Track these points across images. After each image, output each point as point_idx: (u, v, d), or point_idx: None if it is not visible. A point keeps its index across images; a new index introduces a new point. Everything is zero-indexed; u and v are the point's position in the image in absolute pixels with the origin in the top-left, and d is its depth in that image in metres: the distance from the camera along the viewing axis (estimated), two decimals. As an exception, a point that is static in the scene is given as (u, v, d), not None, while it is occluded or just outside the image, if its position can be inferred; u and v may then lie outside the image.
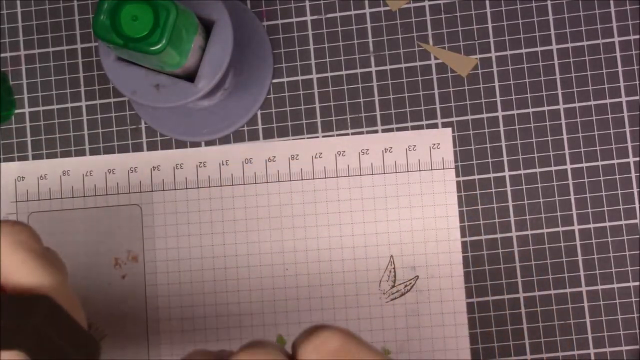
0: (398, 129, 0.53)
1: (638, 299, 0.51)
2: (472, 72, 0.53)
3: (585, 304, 0.51)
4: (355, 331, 0.52)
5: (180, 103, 0.47)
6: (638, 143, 0.52)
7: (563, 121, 0.52)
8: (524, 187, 0.52)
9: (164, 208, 0.53)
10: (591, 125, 0.52)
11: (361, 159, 0.52)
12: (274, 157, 0.53)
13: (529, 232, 0.52)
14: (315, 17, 0.53)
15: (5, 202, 0.53)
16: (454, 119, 0.52)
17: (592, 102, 0.52)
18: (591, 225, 0.51)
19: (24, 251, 0.32)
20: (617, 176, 0.52)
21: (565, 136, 0.52)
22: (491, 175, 0.52)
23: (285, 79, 0.53)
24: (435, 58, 0.53)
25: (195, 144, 0.53)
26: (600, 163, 0.52)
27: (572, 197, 0.52)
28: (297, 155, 0.53)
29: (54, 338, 0.30)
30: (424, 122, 0.52)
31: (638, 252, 0.51)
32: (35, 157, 0.54)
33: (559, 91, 0.52)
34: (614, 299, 0.51)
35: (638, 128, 0.52)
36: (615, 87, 0.52)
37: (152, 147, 0.54)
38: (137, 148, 0.54)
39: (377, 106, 0.53)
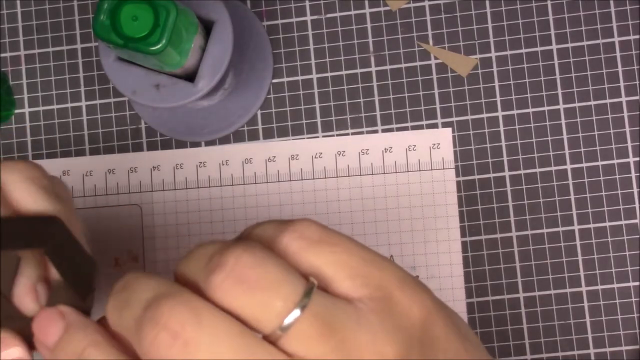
0: (398, 129, 0.53)
1: (638, 299, 0.51)
2: (472, 72, 0.53)
3: (585, 304, 0.51)
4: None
5: (180, 103, 0.47)
6: (638, 143, 0.52)
7: (563, 121, 0.52)
8: (524, 187, 0.52)
9: (164, 208, 0.53)
10: (591, 125, 0.52)
11: (361, 159, 0.52)
12: (274, 157, 0.53)
13: (529, 232, 0.52)
14: (315, 17, 0.53)
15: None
16: (454, 119, 0.52)
17: (592, 102, 0.52)
18: (591, 225, 0.51)
19: (35, 186, 0.34)
20: (617, 176, 0.52)
21: (565, 136, 0.52)
22: (491, 175, 0.52)
23: (285, 79, 0.53)
24: (435, 58, 0.53)
25: (195, 144, 0.53)
26: (600, 163, 0.52)
27: (572, 197, 0.52)
28: (297, 155, 0.53)
29: (66, 254, 0.33)
30: (424, 122, 0.52)
31: (638, 252, 0.51)
32: (35, 157, 0.54)
33: (559, 91, 0.52)
34: (614, 299, 0.51)
35: (638, 128, 0.52)
36: (615, 87, 0.52)
37: (152, 147, 0.54)
38: (137, 148, 0.54)
39: (377, 106, 0.53)
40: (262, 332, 0.27)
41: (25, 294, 0.33)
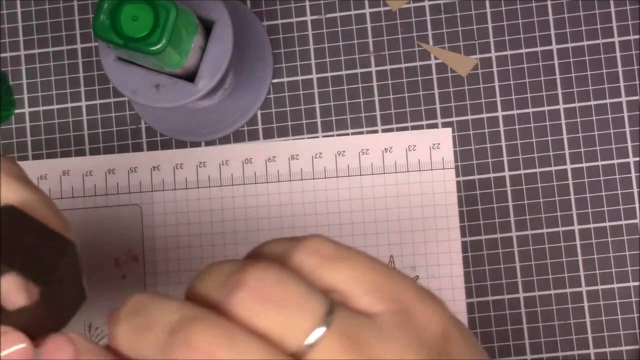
0: (398, 129, 0.53)
1: (638, 299, 0.51)
2: (472, 72, 0.53)
3: (585, 304, 0.51)
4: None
5: (180, 103, 0.47)
6: (638, 143, 0.52)
7: (563, 121, 0.52)
8: (524, 187, 0.52)
9: (164, 208, 0.53)
10: (591, 125, 0.52)
11: (361, 159, 0.52)
12: (274, 157, 0.53)
13: (529, 232, 0.52)
14: (315, 17, 0.53)
15: (5, 202, 0.53)
16: (454, 119, 0.52)
17: (592, 102, 0.52)
18: (591, 225, 0.51)
19: (5, 175, 0.34)
20: (617, 176, 0.52)
21: (565, 136, 0.52)
22: (491, 175, 0.52)
23: (285, 79, 0.53)
24: (435, 58, 0.53)
25: (195, 144, 0.53)
26: (600, 163, 0.52)
27: (572, 197, 0.52)
28: (297, 155, 0.53)
29: (20, 242, 0.31)
30: (424, 122, 0.52)
31: (638, 252, 0.51)
32: (35, 157, 0.54)
33: (559, 91, 0.52)
34: (614, 299, 0.51)
35: (638, 128, 0.52)
36: (615, 87, 0.52)
37: (152, 147, 0.54)
38: (137, 148, 0.54)
39: (377, 106, 0.53)
40: (287, 349, 0.27)
41: (18, 290, 0.32)
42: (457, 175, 0.52)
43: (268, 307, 0.27)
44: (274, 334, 0.27)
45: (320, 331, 0.27)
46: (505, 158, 0.52)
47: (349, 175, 0.52)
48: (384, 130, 0.53)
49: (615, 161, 0.52)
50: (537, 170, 0.52)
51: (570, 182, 0.52)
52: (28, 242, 0.32)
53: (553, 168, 0.52)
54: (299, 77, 0.53)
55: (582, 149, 0.52)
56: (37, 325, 0.32)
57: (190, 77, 0.47)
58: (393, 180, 0.52)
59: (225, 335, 0.26)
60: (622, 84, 0.52)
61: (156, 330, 0.27)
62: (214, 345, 0.26)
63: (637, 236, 0.51)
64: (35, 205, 0.34)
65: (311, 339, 0.27)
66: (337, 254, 0.29)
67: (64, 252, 0.33)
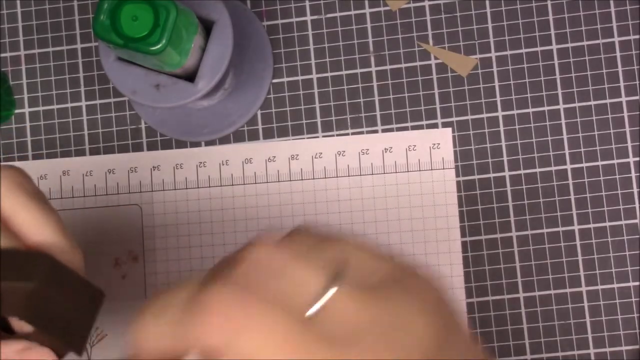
0: (398, 129, 0.53)
1: (638, 299, 0.51)
2: (472, 72, 0.53)
3: (585, 304, 0.51)
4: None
5: (180, 103, 0.47)
6: (638, 143, 0.52)
7: (563, 121, 0.52)
8: (524, 187, 0.52)
9: (164, 208, 0.53)
10: (591, 125, 0.52)
11: (361, 159, 0.52)
12: (274, 157, 0.53)
13: (529, 232, 0.52)
14: (315, 17, 0.53)
15: (5, 202, 0.53)
16: (454, 119, 0.52)
17: (592, 102, 0.52)
18: (591, 225, 0.51)
19: (23, 194, 0.33)
20: (617, 176, 0.52)
21: (565, 136, 0.52)
22: (491, 175, 0.52)
23: (285, 79, 0.53)
24: (435, 58, 0.53)
25: (195, 144, 0.53)
26: (600, 163, 0.52)
27: (572, 197, 0.52)
28: (297, 155, 0.53)
29: (53, 297, 0.31)
30: (424, 122, 0.52)
31: (638, 252, 0.51)
32: (35, 157, 0.54)
33: (559, 91, 0.52)
34: (614, 299, 0.51)
35: (638, 128, 0.52)
36: (615, 87, 0.52)
37: (152, 147, 0.54)
38: (137, 148, 0.54)
39: (377, 106, 0.53)
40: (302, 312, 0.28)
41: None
42: (457, 175, 0.52)
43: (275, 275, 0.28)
44: (284, 299, 0.27)
45: (332, 291, 0.27)
46: (505, 158, 0.52)
47: (349, 175, 0.52)
48: (384, 130, 0.53)
49: (615, 161, 0.52)
50: (537, 170, 0.52)
51: (570, 182, 0.52)
52: (67, 300, 0.31)
53: (553, 168, 0.52)
54: (299, 77, 0.53)
55: (582, 149, 0.52)
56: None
57: (190, 77, 0.47)
58: (393, 180, 0.52)
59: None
60: (622, 84, 0.52)
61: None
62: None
63: (637, 236, 0.51)
64: (66, 251, 0.33)
65: (324, 299, 0.27)
66: (329, 235, 0.30)
67: (96, 305, 0.32)
